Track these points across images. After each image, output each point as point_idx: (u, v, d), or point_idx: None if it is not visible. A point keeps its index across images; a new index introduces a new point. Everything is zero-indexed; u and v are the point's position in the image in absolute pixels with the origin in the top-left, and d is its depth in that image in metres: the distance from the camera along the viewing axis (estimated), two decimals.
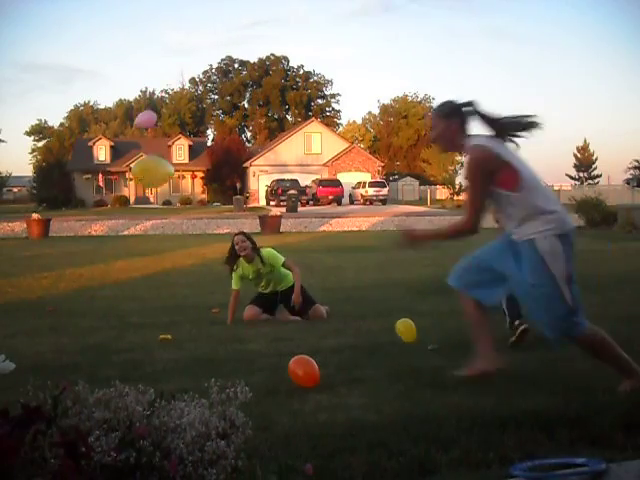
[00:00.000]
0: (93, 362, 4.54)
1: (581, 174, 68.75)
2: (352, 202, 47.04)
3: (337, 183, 45.96)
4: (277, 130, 73.52)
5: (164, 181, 5.10)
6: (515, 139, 3.49)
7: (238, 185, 49.70)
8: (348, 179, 48.72)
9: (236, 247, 6.10)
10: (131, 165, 51.07)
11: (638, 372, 3.45)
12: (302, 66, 79.98)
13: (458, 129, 3.52)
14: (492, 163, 3.37)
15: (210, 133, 79.55)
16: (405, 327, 4.90)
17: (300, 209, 35.71)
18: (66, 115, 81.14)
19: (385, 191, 45.99)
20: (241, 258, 6.13)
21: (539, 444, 2.88)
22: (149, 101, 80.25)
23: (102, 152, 53.32)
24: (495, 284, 3.69)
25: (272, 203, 42.57)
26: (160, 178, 5.00)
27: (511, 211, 3.45)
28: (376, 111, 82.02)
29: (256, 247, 6.20)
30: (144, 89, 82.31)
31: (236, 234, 6.29)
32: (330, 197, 44.65)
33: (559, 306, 3.36)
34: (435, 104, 3.97)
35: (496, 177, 3.36)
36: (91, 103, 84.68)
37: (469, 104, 3.55)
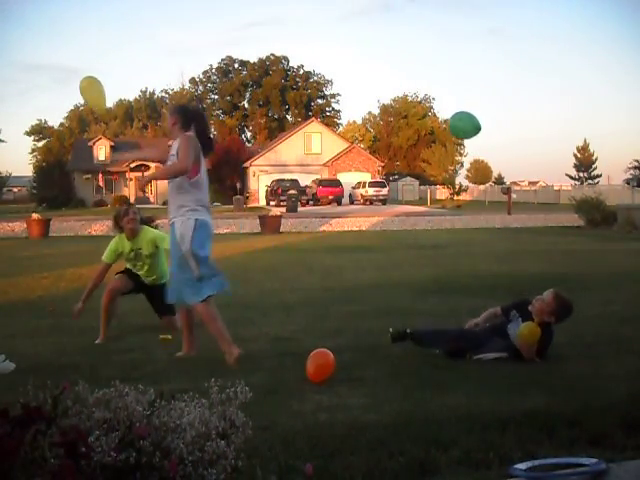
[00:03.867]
0: (93, 362, 4.54)
1: (581, 174, 68.73)
2: (352, 202, 47.00)
3: (337, 183, 45.91)
4: (277, 130, 73.46)
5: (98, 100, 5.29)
6: None
7: (238, 185, 49.67)
8: (348, 179, 48.67)
9: (124, 219, 5.71)
10: (131, 164, 51.27)
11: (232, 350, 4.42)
12: (302, 66, 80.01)
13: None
14: None
15: None
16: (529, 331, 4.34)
17: (300, 209, 35.68)
18: (66, 115, 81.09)
19: (385, 191, 45.95)
20: (123, 233, 5.74)
21: (539, 444, 2.88)
22: (149, 101, 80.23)
23: (102, 152, 53.30)
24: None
25: (272, 203, 42.51)
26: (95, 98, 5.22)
27: None
28: (376, 111, 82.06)
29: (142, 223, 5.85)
30: (144, 89, 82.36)
31: (127, 208, 5.95)
32: (330, 197, 44.60)
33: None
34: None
35: None
36: None
37: None
